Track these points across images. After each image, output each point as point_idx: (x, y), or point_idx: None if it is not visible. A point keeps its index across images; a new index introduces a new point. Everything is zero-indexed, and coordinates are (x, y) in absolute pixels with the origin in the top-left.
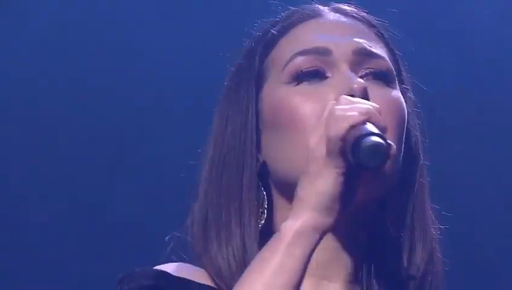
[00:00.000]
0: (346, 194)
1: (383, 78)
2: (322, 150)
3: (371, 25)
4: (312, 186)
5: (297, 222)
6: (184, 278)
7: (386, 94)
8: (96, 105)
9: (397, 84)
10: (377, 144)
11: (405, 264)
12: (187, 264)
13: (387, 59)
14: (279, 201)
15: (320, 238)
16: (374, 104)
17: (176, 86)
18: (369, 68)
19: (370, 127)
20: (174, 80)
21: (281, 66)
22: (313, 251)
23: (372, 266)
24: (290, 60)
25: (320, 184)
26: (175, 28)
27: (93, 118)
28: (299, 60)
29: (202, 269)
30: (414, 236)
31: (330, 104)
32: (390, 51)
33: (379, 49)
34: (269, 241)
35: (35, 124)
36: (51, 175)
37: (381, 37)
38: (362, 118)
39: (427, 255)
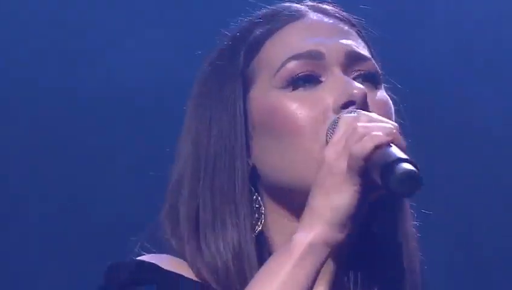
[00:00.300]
0: (359, 211)
1: (371, 79)
2: (340, 165)
3: (351, 24)
4: (327, 201)
5: (310, 234)
6: (173, 272)
7: (377, 97)
8: (93, 107)
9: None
10: (412, 173)
11: (389, 271)
12: (170, 256)
13: (373, 60)
14: (270, 205)
15: (330, 253)
16: (394, 124)
17: (176, 86)
18: (359, 70)
19: (396, 150)
20: (173, 79)
21: (273, 70)
22: (322, 265)
23: (359, 272)
24: (283, 65)
25: (336, 199)
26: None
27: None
28: (293, 64)
29: (184, 262)
30: (400, 244)
31: (346, 118)
32: (370, 50)
33: (365, 51)
34: (278, 252)
35: (34, 124)
36: (49, 175)
37: (362, 37)
38: (388, 139)
39: (410, 261)
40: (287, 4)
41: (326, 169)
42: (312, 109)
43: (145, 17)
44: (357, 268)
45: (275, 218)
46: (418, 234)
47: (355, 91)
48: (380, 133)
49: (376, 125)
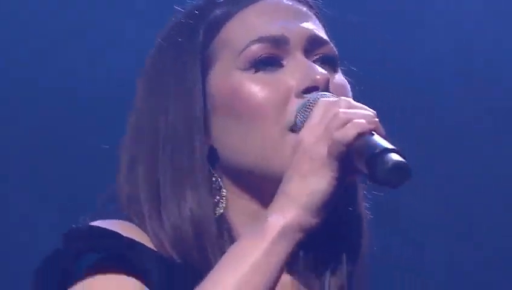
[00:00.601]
0: (334, 196)
1: (330, 63)
2: (320, 150)
3: (310, 7)
4: (303, 185)
5: (284, 218)
6: (134, 240)
7: (335, 80)
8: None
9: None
10: (401, 163)
11: (340, 252)
12: (130, 224)
13: (331, 44)
14: (229, 187)
15: (303, 238)
16: (373, 111)
17: None
18: (318, 54)
19: (380, 139)
20: None
21: (235, 51)
22: (294, 249)
23: (310, 252)
24: (247, 46)
25: (313, 184)
26: None
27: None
28: (256, 47)
29: (140, 230)
30: (353, 224)
31: (325, 102)
32: (327, 33)
33: (324, 34)
34: (249, 234)
35: (34, 123)
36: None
37: (320, 19)
38: (371, 126)
39: (360, 242)
40: None
41: (303, 153)
42: (274, 92)
43: (145, 17)
44: (309, 248)
45: (235, 199)
46: (370, 215)
47: (317, 76)
48: (363, 121)
49: (358, 112)
